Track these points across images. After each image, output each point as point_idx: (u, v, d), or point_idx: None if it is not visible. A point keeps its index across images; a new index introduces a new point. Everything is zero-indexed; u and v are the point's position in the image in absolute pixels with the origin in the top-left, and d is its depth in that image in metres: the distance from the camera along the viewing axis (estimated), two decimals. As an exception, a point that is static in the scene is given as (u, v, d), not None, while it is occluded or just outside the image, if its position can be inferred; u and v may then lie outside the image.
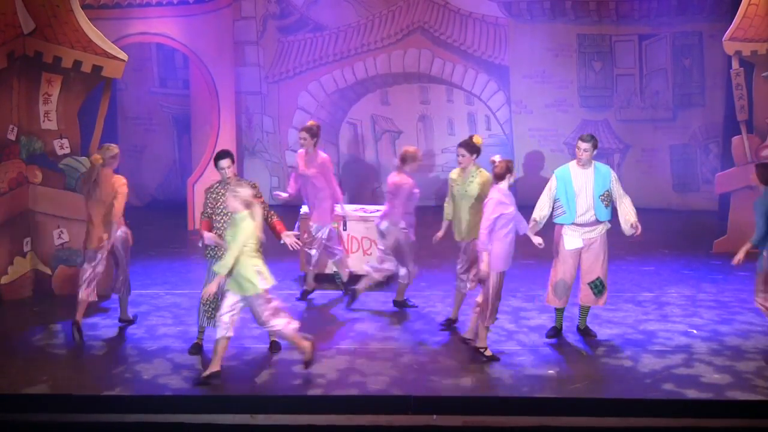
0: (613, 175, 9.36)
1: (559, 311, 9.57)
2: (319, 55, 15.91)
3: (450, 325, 9.89)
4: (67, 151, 10.85)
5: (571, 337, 9.56)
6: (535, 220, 9.32)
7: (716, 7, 15.13)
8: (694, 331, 9.79)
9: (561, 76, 15.82)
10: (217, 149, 14.42)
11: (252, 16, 15.74)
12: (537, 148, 15.82)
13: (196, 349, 9.19)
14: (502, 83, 15.89)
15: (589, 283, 9.37)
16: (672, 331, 9.77)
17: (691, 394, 8.28)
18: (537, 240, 9.13)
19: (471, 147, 9.65)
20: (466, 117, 16.05)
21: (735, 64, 12.76)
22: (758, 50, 12.48)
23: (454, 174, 9.83)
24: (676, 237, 13.78)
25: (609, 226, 9.34)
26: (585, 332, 9.63)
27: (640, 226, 9.25)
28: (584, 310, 9.62)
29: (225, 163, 8.93)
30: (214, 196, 8.95)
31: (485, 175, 9.56)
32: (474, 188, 9.58)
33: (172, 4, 13.94)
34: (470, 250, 9.59)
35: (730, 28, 12.65)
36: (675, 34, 15.55)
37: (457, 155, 9.73)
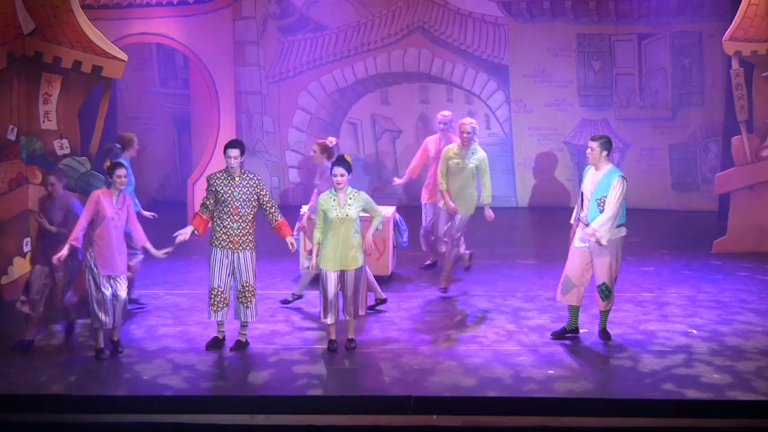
0: (615, 182, 8.97)
1: (572, 310, 9.44)
2: (319, 55, 15.90)
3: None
4: (67, 151, 10.84)
5: (570, 338, 9.54)
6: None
7: (716, 7, 15.12)
8: (694, 331, 9.79)
9: (560, 75, 15.81)
10: (218, 149, 14.55)
11: (252, 16, 15.72)
12: (536, 147, 15.81)
13: (215, 343, 9.24)
14: (501, 82, 15.88)
15: (597, 287, 9.27)
16: (672, 331, 9.76)
17: (691, 394, 8.27)
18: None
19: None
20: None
21: (735, 64, 12.75)
22: (758, 50, 12.48)
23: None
24: (676, 237, 13.78)
25: (624, 232, 9.13)
26: (601, 334, 9.47)
27: (596, 236, 8.95)
28: (601, 313, 9.47)
29: (233, 152, 9.02)
30: (220, 184, 9.05)
31: None
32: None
33: (172, 4, 13.94)
34: None
35: (730, 28, 12.65)
36: (674, 33, 15.55)
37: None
